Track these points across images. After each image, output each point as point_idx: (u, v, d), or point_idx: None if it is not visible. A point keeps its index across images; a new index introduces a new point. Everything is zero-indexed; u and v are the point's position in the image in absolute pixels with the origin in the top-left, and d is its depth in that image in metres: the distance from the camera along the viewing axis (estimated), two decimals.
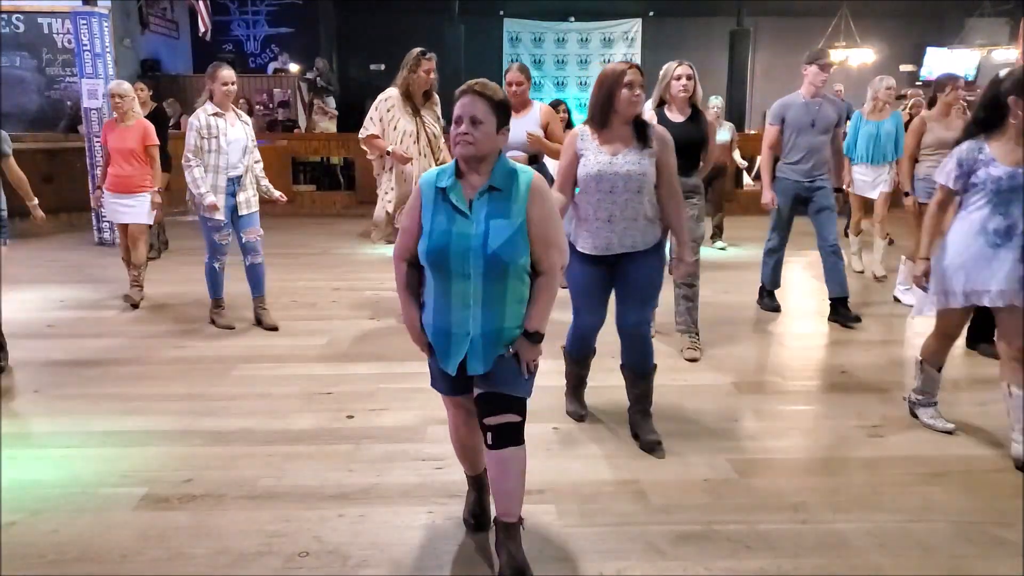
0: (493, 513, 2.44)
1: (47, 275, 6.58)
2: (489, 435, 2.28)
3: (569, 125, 6.17)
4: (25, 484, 2.94)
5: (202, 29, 11.86)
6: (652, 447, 3.23)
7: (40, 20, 10.12)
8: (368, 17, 15.05)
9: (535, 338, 2.28)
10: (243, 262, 5.01)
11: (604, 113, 3.09)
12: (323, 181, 11.79)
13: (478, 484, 2.62)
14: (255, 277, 5.06)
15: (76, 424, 3.54)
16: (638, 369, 3.34)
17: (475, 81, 2.23)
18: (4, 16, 9.93)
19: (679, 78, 4.26)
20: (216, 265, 5.00)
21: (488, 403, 2.28)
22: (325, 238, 8.68)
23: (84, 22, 8.06)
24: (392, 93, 4.84)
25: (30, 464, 3.14)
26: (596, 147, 3.13)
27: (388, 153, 4.76)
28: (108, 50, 8.21)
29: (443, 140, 4.94)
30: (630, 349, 3.32)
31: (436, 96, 5.02)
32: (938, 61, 14.94)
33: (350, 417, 3.59)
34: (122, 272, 6.65)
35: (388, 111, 4.82)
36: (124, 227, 5.78)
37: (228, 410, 3.68)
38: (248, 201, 4.90)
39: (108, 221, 5.94)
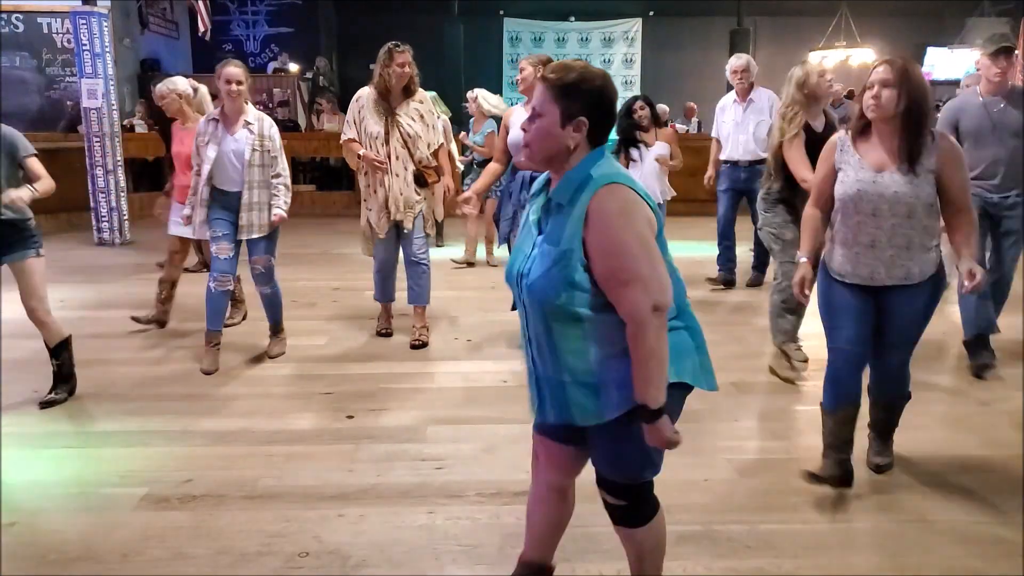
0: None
1: (47, 275, 6.56)
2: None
3: (659, 124, 5.60)
4: (25, 484, 2.94)
5: (202, 29, 11.84)
6: (877, 467, 3.04)
7: (40, 20, 10.12)
8: (368, 17, 15.04)
9: (645, 415, 1.70)
10: None
11: (861, 118, 2.69)
12: (323, 181, 11.79)
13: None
14: (265, 306, 4.56)
15: (76, 424, 3.54)
16: (883, 399, 3.01)
17: (550, 64, 1.85)
18: (4, 16, 9.93)
19: (823, 74, 3.84)
20: (211, 284, 4.28)
21: (597, 476, 1.96)
22: (325, 238, 8.68)
23: (84, 22, 8.05)
24: (362, 93, 4.58)
25: (30, 464, 3.13)
26: (857, 161, 2.70)
27: (360, 157, 4.52)
28: (108, 50, 8.20)
29: (425, 139, 4.57)
30: (882, 381, 2.97)
31: (422, 92, 4.60)
32: (938, 61, 14.94)
33: (350, 417, 3.59)
34: (121, 272, 6.67)
35: (359, 112, 4.55)
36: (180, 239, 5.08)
37: (228, 410, 3.68)
38: (251, 224, 4.24)
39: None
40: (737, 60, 5.99)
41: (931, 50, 15.05)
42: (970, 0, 14.37)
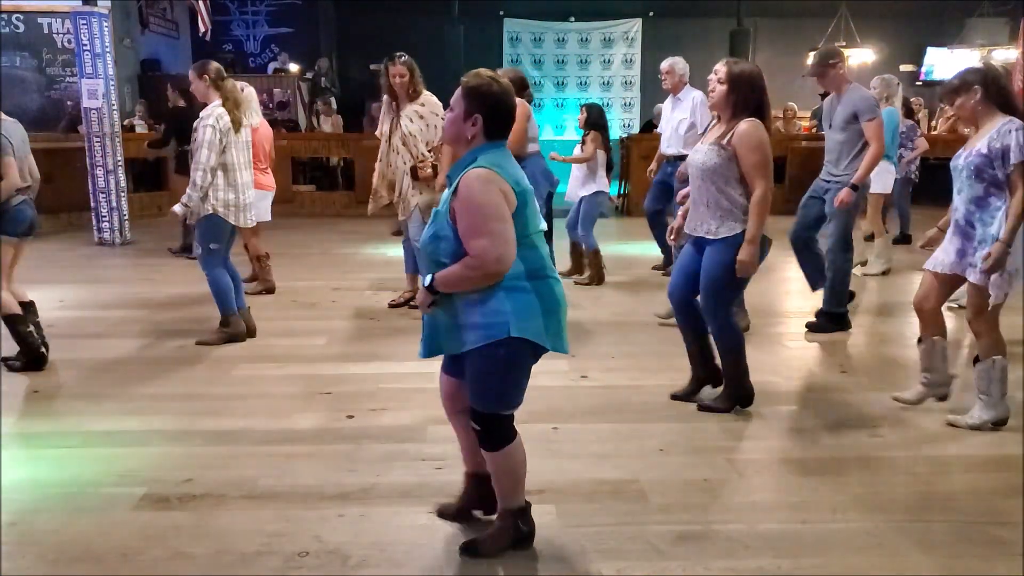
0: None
1: (47, 275, 6.57)
2: None
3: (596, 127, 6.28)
4: (25, 484, 2.94)
5: (202, 29, 11.84)
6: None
7: (40, 20, 10.11)
8: (368, 17, 15.04)
9: (431, 284, 2.27)
10: None
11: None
12: (323, 181, 11.78)
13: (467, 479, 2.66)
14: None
15: (76, 424, 3.53)
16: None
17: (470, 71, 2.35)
18: (4, 16, 9.93)
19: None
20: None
21: (471, 410, 2.40)
22: (325, 238, 8.68)
23: (84, 22, 8.05)
24: (385, 97, 5.33)
25: (30, 464, 3.13)
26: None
27: None
28: (108, 50, 8.20)
29: (423, 138, 5.09)
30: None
31: (425, 95, 5.15)
32: (938, 61, 14.93)
33: (350, 417, 3.59)
34: (121, 272, 6.70)
35: (381, 114, 5.37)
36: None
37: (228, 410, 3.68)
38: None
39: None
40: (663, 62, 6.40)
41: (931, 50, 15.04)
42: (970, 0, 14.36)
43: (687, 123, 6.21)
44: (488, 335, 2.24)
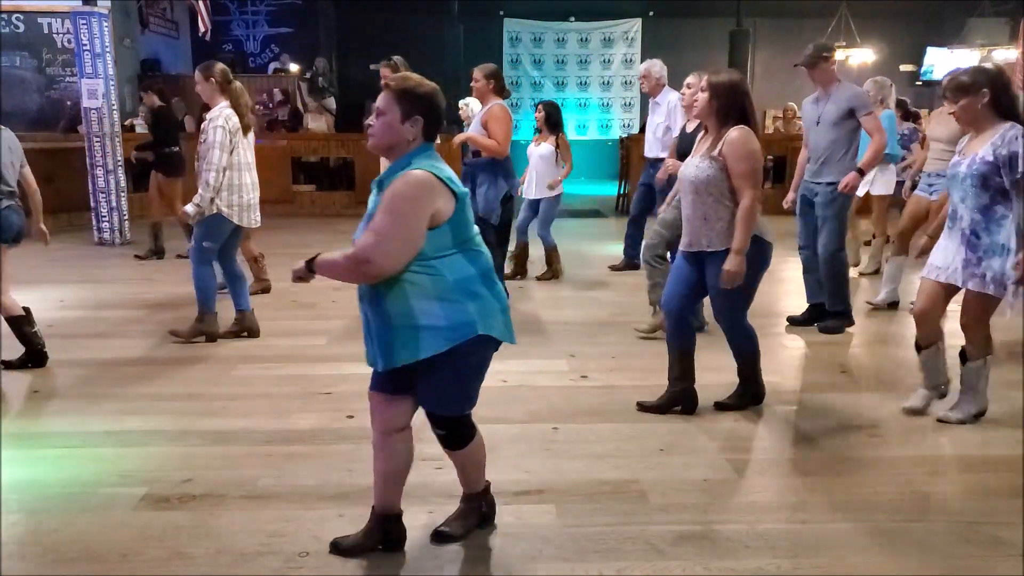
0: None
1: (47, 275, 6.58)
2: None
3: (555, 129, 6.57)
4: (25, 484, 2.94)
5: (202, 29, 11.84)
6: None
7: (40, 20, 10.14)
8: (368, 17, 15.05)
9: (310, 263, 2.22)
10: None
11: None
12: (323, 181, 11.78)
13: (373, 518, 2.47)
14: None
15: (76, 424, 3.53)
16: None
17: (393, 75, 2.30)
18: (4, 16, 9.94)
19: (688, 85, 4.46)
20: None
21: (426, 412, 2.40)
22: (325, 238, 8.67)
23: (84, 22, 8.05)
24: None
25: (30, 464, 3.13)
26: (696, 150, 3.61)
27: None
28: (108, 50, 8.20)
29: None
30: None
31: None
32: (938, 61, 14.94)
33: (350, 417, 3.59)
34: (121, 272, 6.70)
35: None
36: None
37: (228, 410, 3.68)
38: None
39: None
40: (640, 65, 6.52)
41: (931, 50, 15.04)
42: (970, 0, 14.36)
43: (663, 127, 6.28)
44: (454, 337, 2.18)
